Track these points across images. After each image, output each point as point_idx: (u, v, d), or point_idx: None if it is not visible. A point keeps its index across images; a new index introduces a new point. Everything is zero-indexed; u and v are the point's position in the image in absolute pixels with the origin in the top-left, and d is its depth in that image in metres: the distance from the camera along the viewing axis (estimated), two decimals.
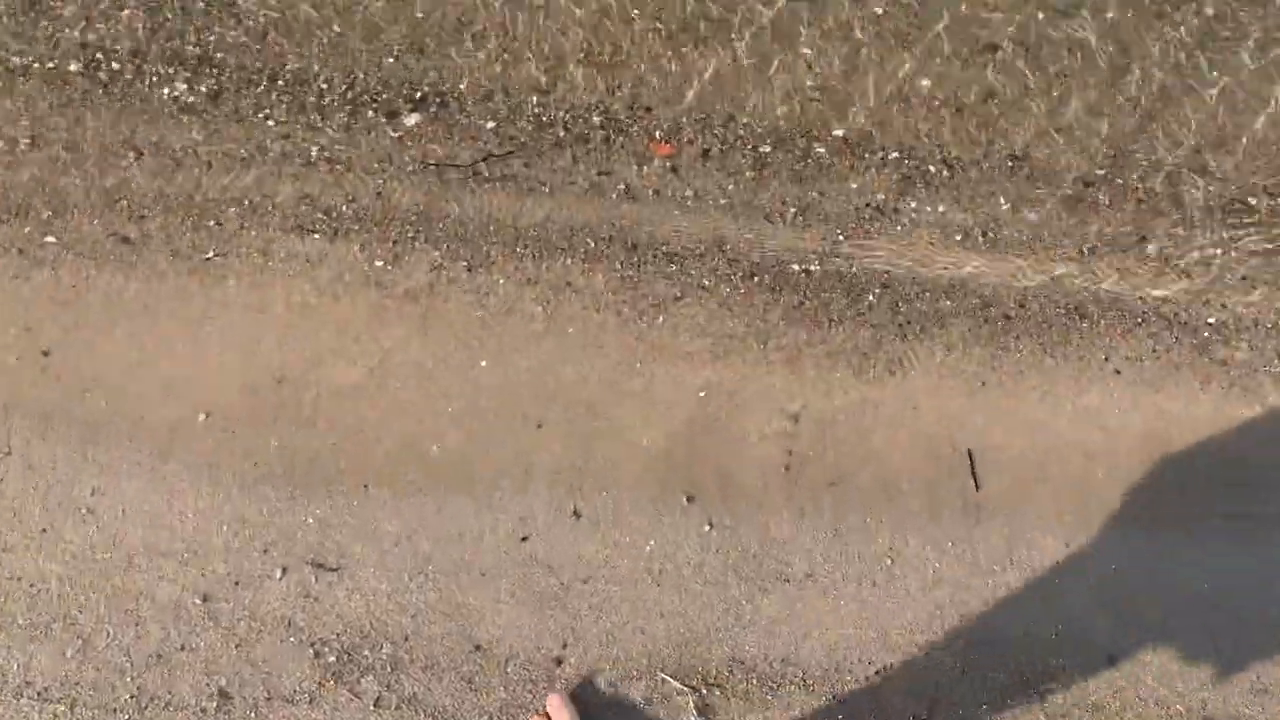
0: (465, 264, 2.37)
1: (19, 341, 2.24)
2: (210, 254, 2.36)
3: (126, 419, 2.18)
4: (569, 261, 2.39)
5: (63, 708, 1.95)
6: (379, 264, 2.36)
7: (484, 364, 2.27)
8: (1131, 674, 2.06)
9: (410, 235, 2.40)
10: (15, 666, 1.97)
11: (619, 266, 2.39)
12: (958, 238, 2.46)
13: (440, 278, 2.36)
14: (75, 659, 1.98)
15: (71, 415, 2.18)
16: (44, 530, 2.08)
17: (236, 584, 2.05)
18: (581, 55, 2.59)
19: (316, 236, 2.38)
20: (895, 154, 2.53)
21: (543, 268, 2.38)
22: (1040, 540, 2.14)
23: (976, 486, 2.20)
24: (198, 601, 2.03)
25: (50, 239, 2.36)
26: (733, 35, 2.60)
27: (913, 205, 2.49)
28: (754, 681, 2.02)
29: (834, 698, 2.02)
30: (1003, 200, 2.50)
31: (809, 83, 2.59)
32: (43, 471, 2.13)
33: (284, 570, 2.06)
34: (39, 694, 1.96)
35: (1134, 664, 2.06)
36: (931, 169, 2.52)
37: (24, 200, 2.39)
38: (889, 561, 2.12)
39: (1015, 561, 2.12)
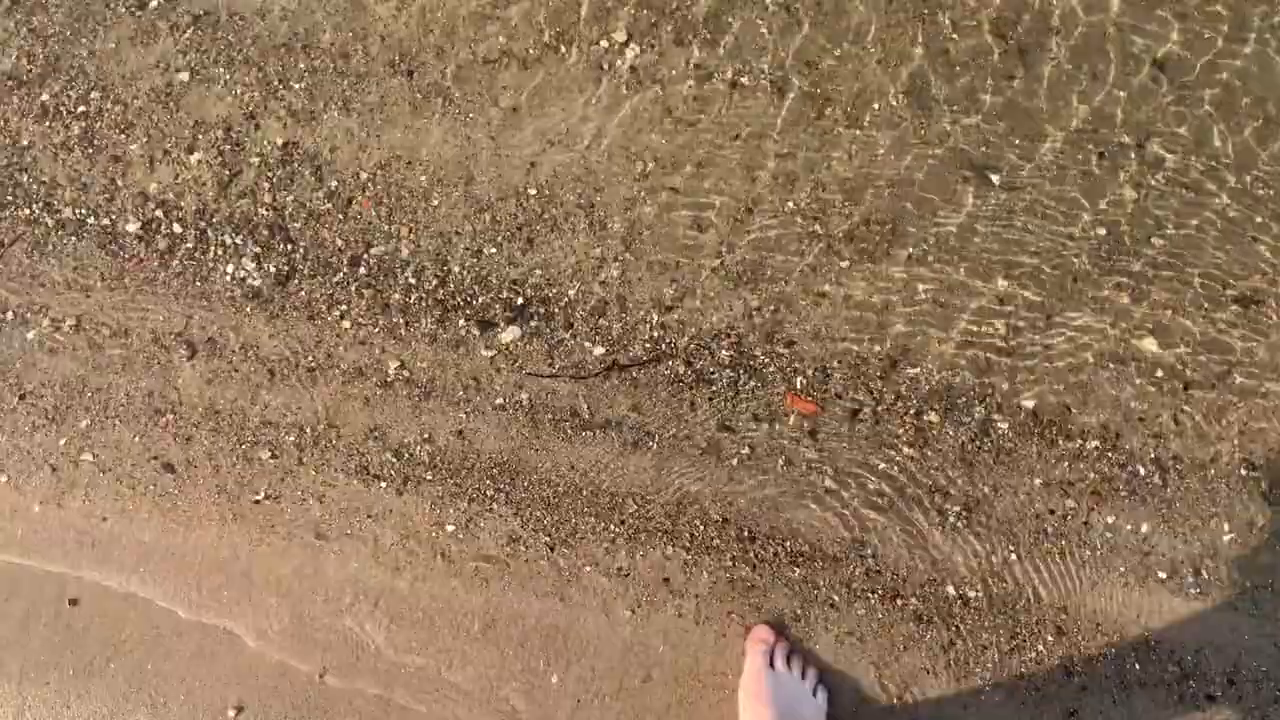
0: (548, 540, 1.99)
1: (45, 585, 1.99)
2: (260, 495, 2.04)
3: (150, 706, 1.92)
4: (670, 550, 1.98)
5: None
6: (449, 528, 2.00)
7: (554, 680, 1.92)
8: None
9: (489, 494, 2.02)
10: None
11: (730, 563, 1.97)
12: (1161, 574, 1.95)
13: (517, 553, 1.99)
14: None
15: (90, 691, 1.93)
16: None
17: None
18: (718, 262, 2.11)
19: (383, 485, 2.03)
20: (1096, 443, 2.00)
21: (637, 556, 1.98)
22: None
23: None
24: None
25: (87, 457, 2.07)
26: (908, 253, 2.08)
27: (1109, 519, 1.98)
28: None
29: None
30: (1226, 527, 1.97)
31: (997, 328, 2.06)
32: None
33: None
34: None
35: None
36: (1140, 470, 1.99)
37: (63, 401, 2.10)
38: None
39: None
